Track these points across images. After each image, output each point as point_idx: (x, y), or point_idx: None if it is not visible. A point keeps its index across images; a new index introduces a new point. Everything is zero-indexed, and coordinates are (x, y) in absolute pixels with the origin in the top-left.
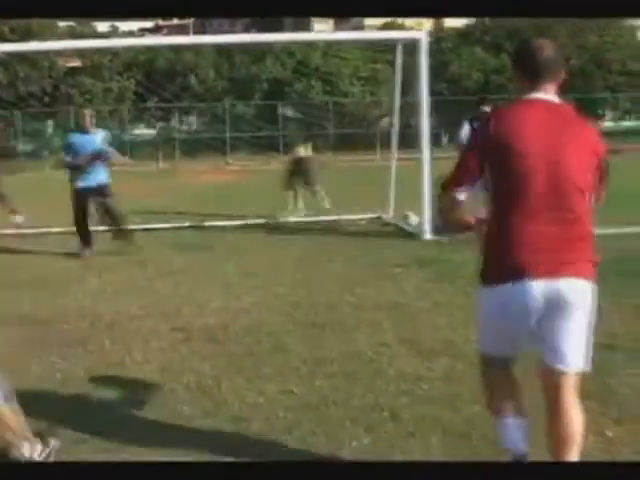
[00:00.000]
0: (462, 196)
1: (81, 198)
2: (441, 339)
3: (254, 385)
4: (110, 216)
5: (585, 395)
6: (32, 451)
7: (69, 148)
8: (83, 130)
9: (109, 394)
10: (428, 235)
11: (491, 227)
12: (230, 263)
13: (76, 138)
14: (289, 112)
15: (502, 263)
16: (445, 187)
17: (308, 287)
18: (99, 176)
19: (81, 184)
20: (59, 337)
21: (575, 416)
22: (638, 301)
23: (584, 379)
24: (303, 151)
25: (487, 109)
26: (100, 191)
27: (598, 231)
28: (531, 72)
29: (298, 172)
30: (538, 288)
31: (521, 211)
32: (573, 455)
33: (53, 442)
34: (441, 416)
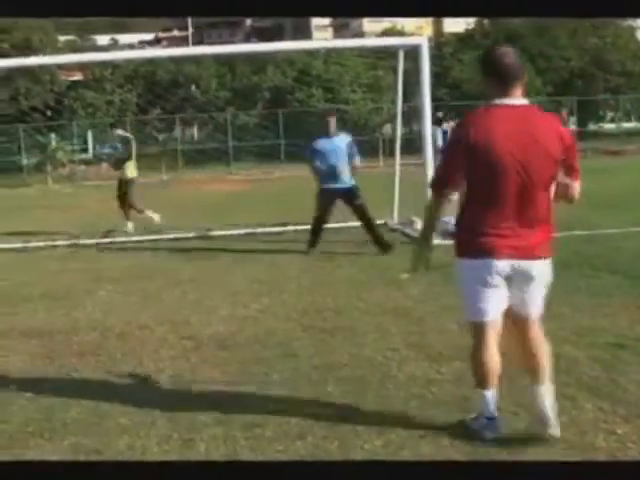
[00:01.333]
0: (453, 196)
1: (325, 198)
2: (449, 343)
3: (265, 391)
4: (364, 221)
5: (596, 394)
6: None
7: (316, 153)
8: (328, 135)
9: (122, 404)
10: (434, 239)
11: (467, 211)
12: (236, 271)
13: (322, 143)
14: (119, 132)
15: (472, 242)
16: (436, 188)
17: (315, 293)
18: (345, 179)
19: (328, 185)
20: (71, 349)
21: (544, 351)
22: None
23: (595, 379)
24: (128, 172)
25: None
26: (348, 194)
27: (606, 231)
28: (499, 78)
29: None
30: (505, 266)
31: (493, 201)
32: (549, 381)
33: None
34: (451, 419)
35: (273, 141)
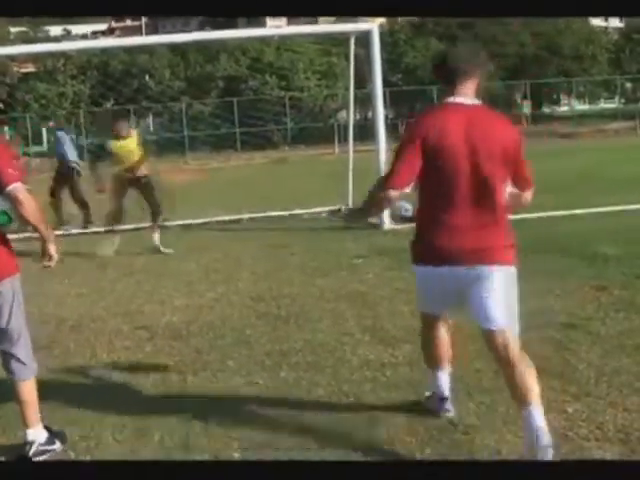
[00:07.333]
0: (398, 195)
1: None
2: (403, 326)
3: (219, 379)
4: None
5: (548, 373)
6: (39, 437)
7: None
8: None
9: (75, 397)
10: (387, 225)
11: (420, 215)
12: (191, 261)
13: None
14: None
15: (428, 248)
16: (385, 186)
17: (270, 280)
18: None
19: None
20: None
21: (524, 368)
22: (598, 281)
23: (547, 359)
24: None
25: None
26: None
27: (559, 213)
28: (448, 78)
29: None
30: (458, 273)
31: (447, 205)
32: (535, 402)
33: (58, 444)
34: (405, 400)
35: (228, 130)
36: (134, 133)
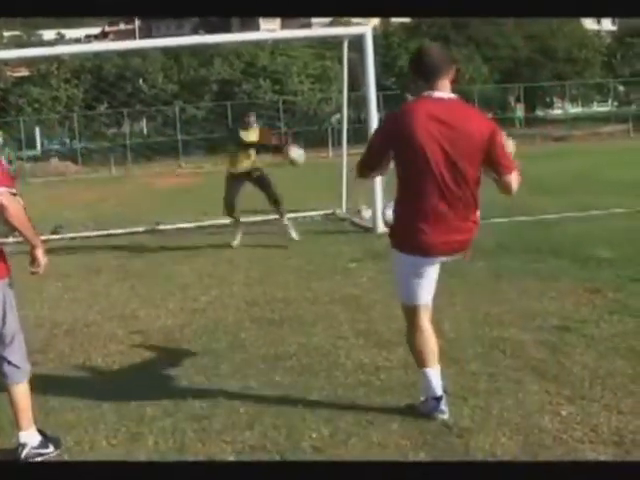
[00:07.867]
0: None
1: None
2: (397, 329)
3: (213, 383)
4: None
5: (542, 376)
6: (32, 440)
7: None
8: None
9: (70, 401)
10: (381, 228)
11: (399, 204)
12: (186, 265)
13: None
14: None
15: (407, 238)
16: (360, 173)
17: (264, 284)
18: None
19: None
20: None
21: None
22: (591, 284)
23: (541, 361)
24: None
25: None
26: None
27: (551, 216)
28: (423, 74)
29: None
30: (437, 261)
31: (422, 190)
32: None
33: (52, 448)
34: (399, 404)
35: (222, 134)
36: (256, 127)
